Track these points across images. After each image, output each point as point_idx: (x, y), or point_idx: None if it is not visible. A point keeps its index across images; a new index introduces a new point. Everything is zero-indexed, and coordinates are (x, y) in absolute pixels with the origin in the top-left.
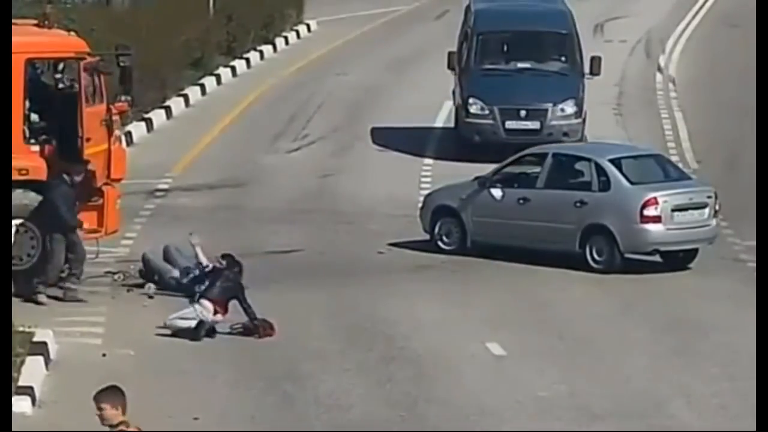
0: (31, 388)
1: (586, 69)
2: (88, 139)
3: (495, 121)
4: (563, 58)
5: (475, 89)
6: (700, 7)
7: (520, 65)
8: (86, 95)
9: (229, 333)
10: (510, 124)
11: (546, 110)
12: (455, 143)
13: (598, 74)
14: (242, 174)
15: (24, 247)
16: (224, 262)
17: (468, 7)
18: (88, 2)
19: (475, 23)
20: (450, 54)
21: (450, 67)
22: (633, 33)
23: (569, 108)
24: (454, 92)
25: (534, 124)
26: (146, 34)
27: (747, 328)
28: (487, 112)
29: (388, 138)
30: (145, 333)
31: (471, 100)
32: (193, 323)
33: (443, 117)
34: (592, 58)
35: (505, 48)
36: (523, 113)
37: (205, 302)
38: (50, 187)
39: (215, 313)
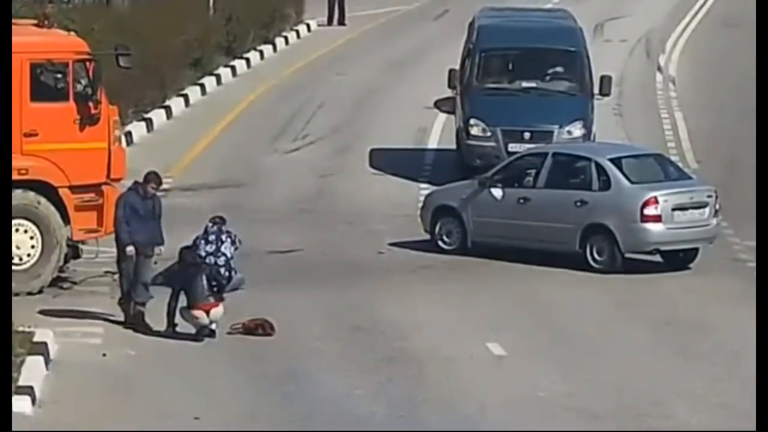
0: (31, 387)
1: (596, 89)
2: (32, 135)
3: (497, 143)
4: (571, 78)
5: (477, 110)
6: (700, 8)
7: (524, 84)
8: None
9: (229, 333)
10: (513, 147)
11: (551, 132)
12: (455, 166)
13: (608, 94)
14: (242, 174)
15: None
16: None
17: (472, 23)
18: (88, 2)
19: (478, 39)
20: (451, 72)
21: (451, 85)
22: (633, 33)
23: (577, 130)
24: (454, 112)
25: None
26: (146, 34)
27: (747, 328)
28: (489, 134)
29: (385, 161)
30: (145, 333)
31: (472, 121)
32: (193, 330)
33: (443, 117)
34: (602, 78)
35: (510, 66)
36: (527, 135)
37: (194, 312)
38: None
39: (210, 308)
